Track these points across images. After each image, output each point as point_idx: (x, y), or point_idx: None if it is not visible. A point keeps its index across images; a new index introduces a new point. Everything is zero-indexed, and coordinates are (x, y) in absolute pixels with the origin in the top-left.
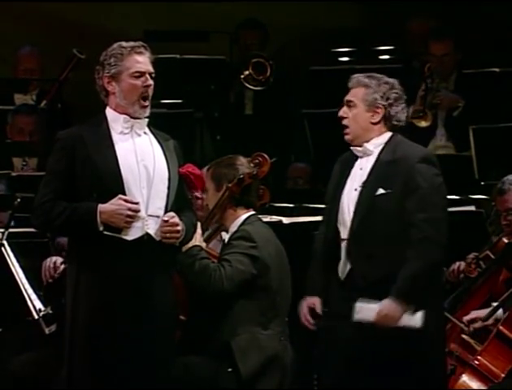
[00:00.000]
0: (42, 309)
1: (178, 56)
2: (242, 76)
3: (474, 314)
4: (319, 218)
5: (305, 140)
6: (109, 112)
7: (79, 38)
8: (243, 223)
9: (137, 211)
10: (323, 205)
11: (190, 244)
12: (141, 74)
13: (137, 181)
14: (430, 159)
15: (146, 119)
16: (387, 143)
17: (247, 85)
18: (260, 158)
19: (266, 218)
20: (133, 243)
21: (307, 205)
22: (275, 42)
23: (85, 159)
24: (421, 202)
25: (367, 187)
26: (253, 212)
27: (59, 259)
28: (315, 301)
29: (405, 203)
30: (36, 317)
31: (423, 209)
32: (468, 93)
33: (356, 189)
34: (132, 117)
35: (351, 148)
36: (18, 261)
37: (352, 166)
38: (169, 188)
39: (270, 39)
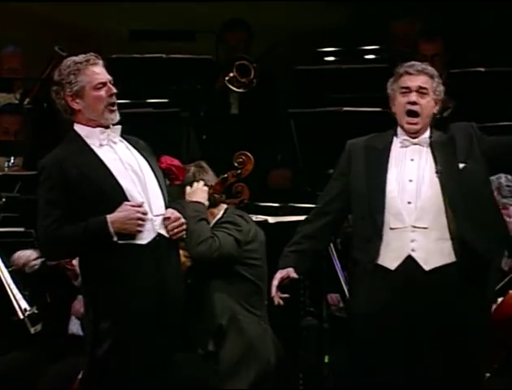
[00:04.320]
0: (28, 308)
1: (164, 55)
2: (227, 78)
3: None
4: (305, 217)
5: (291, 139)
6: (80, 129)
7: (63, 38)
8: (224, 214)
9: (146, 213)
10: (308, 205)
11: (195, 199)
12: (103, 84)
13: (134, 187)
14: None
15: (119, 127)
16: (431, 132)
17: (231, 87)
18: (243, 157)
19: (252, 218)
20: (149, 246)
21: (293, 204)
22: (262, 42)
23: (79, 179)
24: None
25: (447, 169)
26: (226, 206)
27: (34, 254)
28: (289, 271)
29: (482, 151)
30: (22, 316)
31: None
32: (458, 93)
33: (411, 180)
34: (105, 127)
35: (404, 138)
36: (3, 261)
37: (387, 156)
38: (160, 185)
39: (257, 39)
